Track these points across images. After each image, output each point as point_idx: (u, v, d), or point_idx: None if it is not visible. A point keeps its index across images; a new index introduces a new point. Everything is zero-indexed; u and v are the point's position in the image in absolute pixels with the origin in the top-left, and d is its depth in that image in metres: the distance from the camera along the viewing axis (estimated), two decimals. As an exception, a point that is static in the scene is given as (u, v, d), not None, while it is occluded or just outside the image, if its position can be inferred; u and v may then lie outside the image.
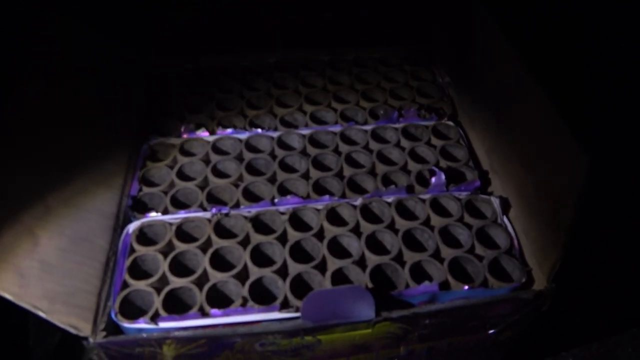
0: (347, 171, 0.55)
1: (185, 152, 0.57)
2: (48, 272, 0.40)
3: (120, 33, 0.66)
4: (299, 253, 0.48)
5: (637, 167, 0.66)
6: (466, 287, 0.44)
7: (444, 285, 0.45)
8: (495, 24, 0.53)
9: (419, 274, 0.46)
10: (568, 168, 0.40)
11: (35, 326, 0.58)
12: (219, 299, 0.45)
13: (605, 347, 0.64)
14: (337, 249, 0.48)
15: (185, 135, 0.59)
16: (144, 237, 0.49)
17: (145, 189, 0.53)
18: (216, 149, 0.57)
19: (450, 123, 0.60)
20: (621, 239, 0.69)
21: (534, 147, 0.46)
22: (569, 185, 0.40)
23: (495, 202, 0.51)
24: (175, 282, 0.45)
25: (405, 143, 0.58)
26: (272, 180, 0.54)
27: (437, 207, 0.51)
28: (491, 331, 0.48)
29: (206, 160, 0.56)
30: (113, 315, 0.42)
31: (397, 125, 0.60)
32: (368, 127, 0.59)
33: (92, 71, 0.58)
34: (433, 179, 0.53)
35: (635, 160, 0.66)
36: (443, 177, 0.53)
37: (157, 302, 0.43)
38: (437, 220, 0.50)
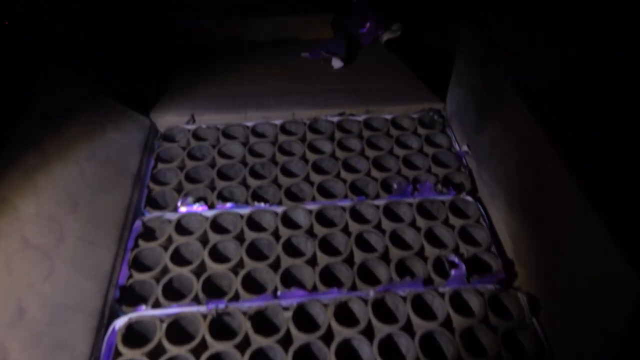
0: (358, 256, 0.50)
1: (182, 230, 0.52)
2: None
3: (119, 89, 0.63)
4: (305, 359, 0.43)
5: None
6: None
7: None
8: (522, 98, 0.49)
9: (439, 389, 0.41)
10: (611, 281, 0.35)
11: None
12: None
13: None
14: (347, 355, 0.43)
15: (182, 210, 0.54)
16: (132, 335, 0.44)
17: (136, 275, 0.48)
18: (215, 226, 0.52)
19: (469, 199, 0.55)
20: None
21: (568, 244, 0.41)
22: (614, 301, 0.35)
23: (523, 299, 0.46)
24: (164, 396, 0.40)
25: (420, 222, 0.53)
26: (275, 265, 0.49)
27: (458, 302, 0.46)
28: None
29: (204, 241, 0.51)
30: None
31: (411, 200, 0.55)
32: (380, 202, 0.55)
33: (85, 132, 0.54)
34: (453, 271, 0.48)
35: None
36: (464, 268, 0.48)
37: (142, 423, 0.38)
38: (459, 321, 0.45)
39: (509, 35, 0.58)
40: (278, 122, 0.65)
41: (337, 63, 0.80)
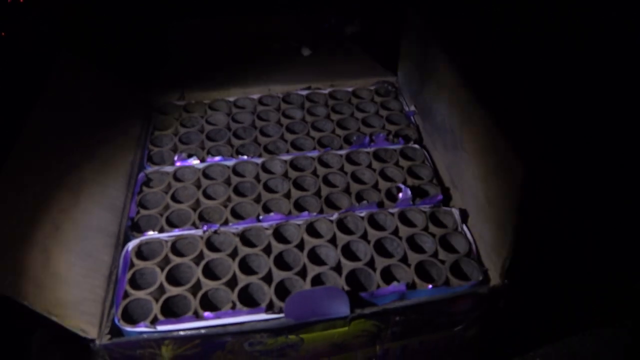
0: (324, 191, 0.61)
1: (178, 179, 0.63)
2: (59, 283, 0.45)
3: (123, 73, 0.73)
4: (282, 262, 0.54)
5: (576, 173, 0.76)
6: (430, 286, 0.50)
7: (411, 286, 0.51)
8: (447, 60, 0.61)
9: (388, 277, 0.52)
10: (509, 176, 0.47)
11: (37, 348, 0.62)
12: (211, 305, 0.50)
13: (570, 346, 0.70)
14: (316, 258, 0.54)
15: (178, 164, 0.65)
16: (142, 253, 0.54)
17: (143, 212, 0.58)
18: (206, 175, 0.63)
19: (416, 146, 0.67)
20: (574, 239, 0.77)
21: (483, 162, 0.53)
22: (511, 190, 0.47)
23: (456, 213, 0.58)
24: (172, 291, 0.50)
25: (376, 165, 0.65)
26: (257, 200, 0.60)
27: (405, 219, 0.58)
28: (457, 328, 0.53)
29: (197, 185, 0.62)
30: (116, 321, 0.47)
31: (368, 150, 0.67)
32: (342, 152, 0.66)
33: (97, 106, 0.65)
34: (400, 195, 0.59)
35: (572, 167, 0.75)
36: (409, 192, 0.59)
37: (156, 308, 0.48)
38: (404, 231, 0.56)
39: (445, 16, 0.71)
40: (256, 96, 0.77)
41: (306, 51, 0.92)
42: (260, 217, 0.57)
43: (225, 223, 0.57)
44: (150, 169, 0.64)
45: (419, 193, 0.61)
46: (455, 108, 0.59)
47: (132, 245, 0.54)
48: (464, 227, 0.56)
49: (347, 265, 0.52)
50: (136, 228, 0.57)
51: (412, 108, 0.73)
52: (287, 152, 0.68)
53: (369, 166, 0.65)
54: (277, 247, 0.54)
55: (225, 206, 0.59)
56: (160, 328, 0.47)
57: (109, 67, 0.70)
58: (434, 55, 0.64)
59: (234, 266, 0.52)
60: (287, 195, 0.61)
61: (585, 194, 0.83)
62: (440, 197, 0.60)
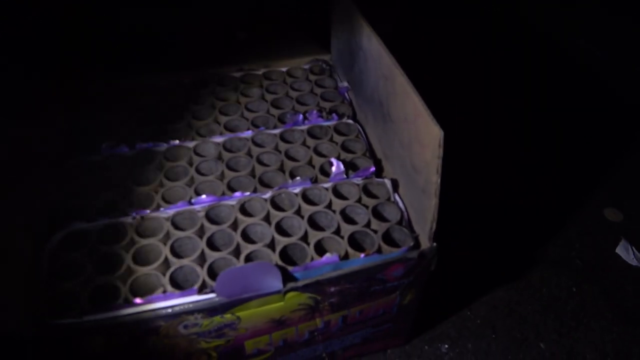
0: (258, 170, 0.61)
1: (108, 167, 0.61)
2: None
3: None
4: (216, 243, 0.53)
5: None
6: (362, 255, 0.51)
7: (344, 256, 0.51)
8: (374, 37, 0.61)
9: (323, 250, 0.52)
10: (430, 142, 0.48)
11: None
12: (143, 292, 0.49)
13: (504, 301, 0.73)
14: (250, 237, 0.54)
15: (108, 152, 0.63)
16: (69, 244, 0.52)
17: (70, 202, 0.56)
18: (137, 160, 0.62)
19: (350, 121, 0.68)
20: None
21: (407, 130, 0.54)
22: (432, 155, 0.48)
23: (388, 183, 0.58)
24: (101, 279, 0.49)
25: (310, 142, 0.65)
26: (189, 184, 0.59)
27: (338, 192, 0.58)
28: (394, 294, 0.55)
29: (129, 171, 0.60)
30: (43, 313, 0.45)
31: (302, 128, 0.67)
32: (276, 131, 0.66)
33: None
34: (333, 169, 0.59)
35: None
36: (342, 166, 0.60)
37: (84, 298, 0.47)
38: (338, 204, 0.57)
39: None
40: (189, 81, 0.75)
41: (241, 35, 0.90)
42: (192, 200, 0.56)
43: (157, 208, 0.56)
44: (78, 159, 0.62)
45: (352, 167, 0.61)
46: (380, 78, 0.59)
47: (58, 236, 0.52)
48: (396, 196, 0.57)
49: (281, 241, 0.52)
50: (63, 218, 0.55)
51: (345, 84, 0.74)
52: (221, 134, 0.67)
53: (303, 144, 0.65)
54: (210, 228, 0.54)
55: (156, 191, 0.58)
56: (87, 318, 0.45)
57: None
58: (359, 27, 0.64)
59: (166, 251, 0.51)
60: (221, 177, 0.60)
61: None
62: (372, 169, 0.60)
